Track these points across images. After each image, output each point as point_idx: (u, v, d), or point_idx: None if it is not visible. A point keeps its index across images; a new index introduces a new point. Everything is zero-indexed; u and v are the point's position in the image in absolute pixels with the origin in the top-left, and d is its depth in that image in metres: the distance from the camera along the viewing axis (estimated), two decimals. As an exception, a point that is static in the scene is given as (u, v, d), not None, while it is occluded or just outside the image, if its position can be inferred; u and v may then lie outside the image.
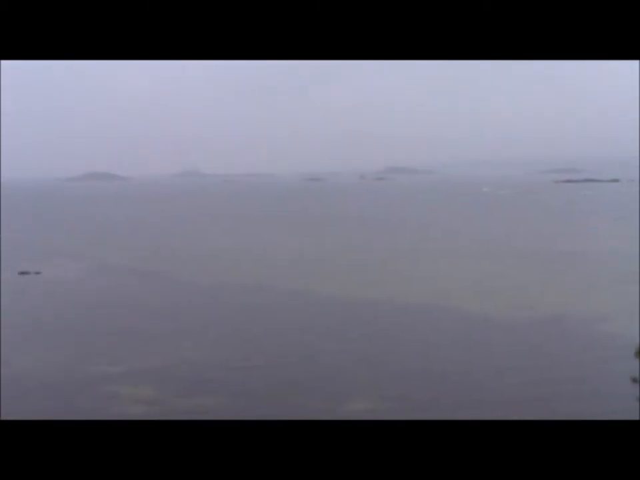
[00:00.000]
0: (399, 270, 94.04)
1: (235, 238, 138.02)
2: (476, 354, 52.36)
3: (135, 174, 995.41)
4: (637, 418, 15.28)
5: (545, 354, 52.33)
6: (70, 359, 49.18)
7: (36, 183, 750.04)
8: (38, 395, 40.71)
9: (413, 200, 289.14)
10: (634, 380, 16.28)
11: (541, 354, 52.23)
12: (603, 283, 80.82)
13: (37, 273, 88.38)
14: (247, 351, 51.80)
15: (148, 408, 37.87)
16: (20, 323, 61.31)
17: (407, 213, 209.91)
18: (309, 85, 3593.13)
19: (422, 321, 63.61)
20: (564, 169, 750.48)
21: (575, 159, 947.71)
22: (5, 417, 30.68)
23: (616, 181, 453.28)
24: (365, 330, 59.35)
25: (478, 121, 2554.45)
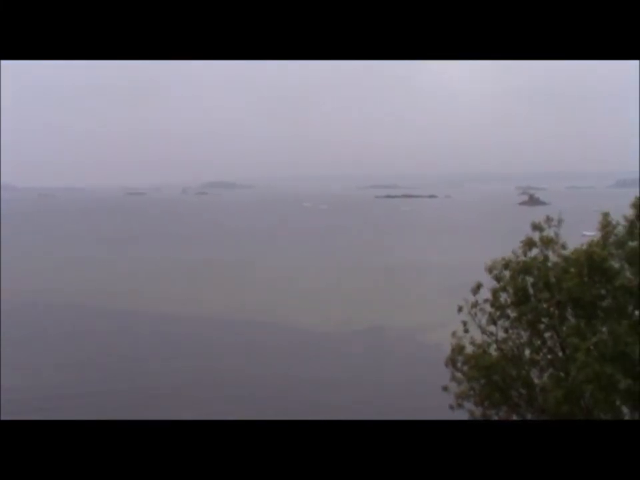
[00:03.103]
0: (220, 285, 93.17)
1: (44, 255, 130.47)
2: (291, 366, 52.34)
3: None
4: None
5: (362, 365, 53.10)
6: None
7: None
8: None
9: (235, 215, 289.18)
10: (444, 388, 16.69)
11: (358, 366, 52.93)
12: (421, 294, 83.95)
13: None
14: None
15: None
16: None
17: (227, 227, 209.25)
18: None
19: (241, 335, 63.01)
20: (383, 185, 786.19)
21: (394, 176, 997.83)
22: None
23: (434, 197, 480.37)
24: (190, 348, 58.16)
25: (297, 137, 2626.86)
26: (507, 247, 17.40)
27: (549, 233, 16.38)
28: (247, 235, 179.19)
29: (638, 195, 15.66)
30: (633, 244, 15.36)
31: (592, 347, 14.36)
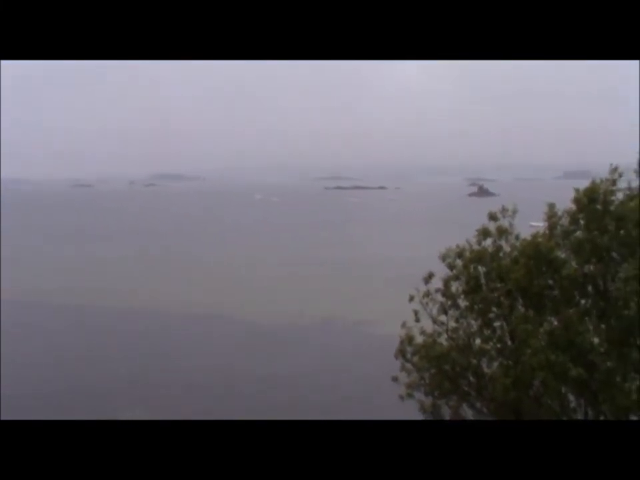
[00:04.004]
0: (167, 279, 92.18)
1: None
2: (239, 359, 52.08)
3: None
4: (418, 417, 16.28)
5: (311, 357, 53.09)
6: None
7: None
8: None
9: (184, 207, 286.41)
10: (394, 379, 16.80)
11: (307, 357, 52.91)
12: (371, 286, 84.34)
13: None
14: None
15: None
16: None
17: (176, 220, 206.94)
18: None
19: (189, 329, 62.44)
20: (335, 176, 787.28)
21: (345, 168, 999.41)
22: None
23: (383, 188, 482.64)
24: (132, 341, 57.34)
25: (247, 129, 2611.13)
26: (458, 237, 17.57)
27: (504, 223, 16.56)
28: (196, 228, 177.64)
29: (583, 186, 15.88)
30: (577, 234, 15.61)
31: (541, 336, 14.59)
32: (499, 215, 16.66)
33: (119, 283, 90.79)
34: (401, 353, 17.04)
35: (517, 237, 16.48)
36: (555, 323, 15.15)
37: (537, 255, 15.37)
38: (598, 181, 15.56)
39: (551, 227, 16.05)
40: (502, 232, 16.50)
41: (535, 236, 15.77)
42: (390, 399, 16.97)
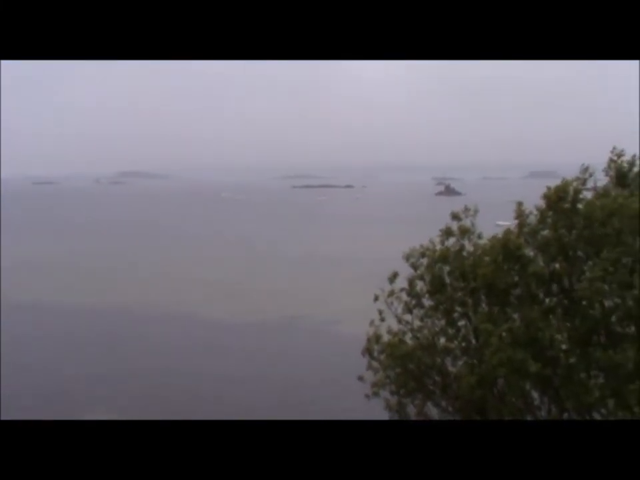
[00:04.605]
0: (131, 278, 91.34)
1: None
2: (202, 359, 51.76)
3: None
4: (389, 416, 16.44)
5: (277, 355, 52.98)
6: None
7: None
8: None
9: (150, 205, 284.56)
10: (360, 378, 16.86)
11: (273, 355, 52.79)
12: (337, 285, 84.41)
13: None
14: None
15: None
16: None
17: (146, 218, 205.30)
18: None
19: (152, 328, 61.94)
20: (302, 174, 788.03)
21: (313, 167, 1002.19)
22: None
23: (350, 186, 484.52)
24: (105, 340, 56.81)
25: (215, 127, 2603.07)
26: (424, 236, 17.56)
27: (466, 222, 16.66)
28: (161, 225, 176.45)
29: (550, 185, 16.00)
30: (544, 233, 15.70)
31: (504, 333, 14.61)
32: (462, 215, 16.77)
33: (78, 281, 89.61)
34: (368, 351, 17.02)
35: (480, 236, 16.58)
36: (518, 320, 15.21)
37: (505, 251, 15.45)
38: (569, 179, 15.69)
39: (520, 225, 16.13)
40: (464, 231, 16.59)
41: (506, 232, 15.86)
42: (356, 398, 16.90)
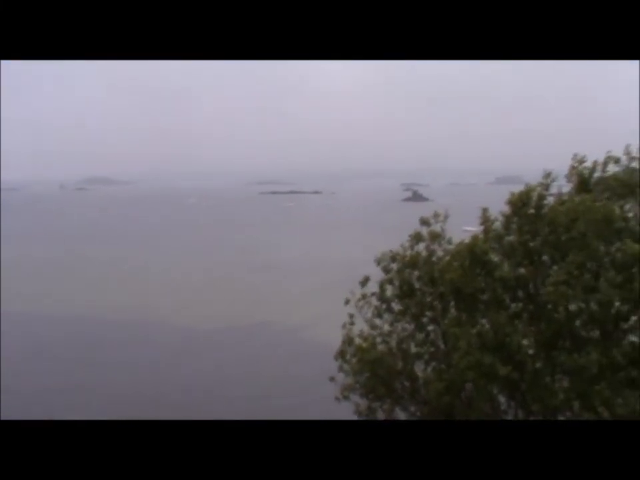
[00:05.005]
0: (98, 285, 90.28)
1: None
2: (172, 365, 51.39)
3: None
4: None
5: (249, 362, 52.76)
6: None
7: None
8: None
9: (117, 211, 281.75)
10: (331, 379, 16.99)
11: (245, 363, 52.56)
12: (307, 291, 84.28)
13: None
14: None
15: None
16: None
17: (108, 225, 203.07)
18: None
19: (122, 334, 61.30)
20: (269, 181, 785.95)
21: (280, 173, 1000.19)
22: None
23: (318, 192, 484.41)
24: (74, 348, 56.09)
25: (181, 133, 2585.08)
26: (392, 242, 17.66)
27: (436, 227, 16.78)
28: (126, 232, 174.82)
29: (514, 191, 16.18)
30: (509, 238, 15.87)
31: (472, 338, 14.74)
32: (432, 220, 16.89)
33: (43, 287, 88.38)
34: (342, 354, 17.09)
35: (449, 242, 16.71)
36: (487, 325, 15.35)
37: (472, 256, 15.58)
38: (532, 185, 15.88)
39: (486, 231, 16.28)
40: (434, 237, 16.71)
41: (473, 238, 16.00)
42: (325, 401, 16.91)
